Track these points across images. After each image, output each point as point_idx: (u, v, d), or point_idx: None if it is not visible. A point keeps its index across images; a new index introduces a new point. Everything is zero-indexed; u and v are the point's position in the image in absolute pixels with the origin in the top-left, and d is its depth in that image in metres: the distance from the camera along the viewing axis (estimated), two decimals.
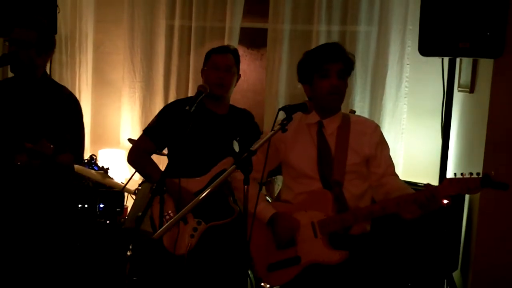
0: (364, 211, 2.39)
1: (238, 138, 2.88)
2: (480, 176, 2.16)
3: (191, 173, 2.82)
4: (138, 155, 2.97)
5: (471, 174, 2.18)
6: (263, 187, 3.52)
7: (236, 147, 2.88)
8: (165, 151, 3.15)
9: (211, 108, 2.93)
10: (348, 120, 2.55)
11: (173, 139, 2.81)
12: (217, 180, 2.09)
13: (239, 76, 2.99)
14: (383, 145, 2.53)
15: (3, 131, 2.84)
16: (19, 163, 2.69)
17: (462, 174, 2.19)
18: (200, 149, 2.85)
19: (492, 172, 2.16)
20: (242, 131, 2.93)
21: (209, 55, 2.95)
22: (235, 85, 2.98)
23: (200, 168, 2.85)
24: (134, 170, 3.46)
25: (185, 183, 2.76)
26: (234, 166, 2.06)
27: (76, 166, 3.70)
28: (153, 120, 3.02)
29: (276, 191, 3.89)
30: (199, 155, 2.85)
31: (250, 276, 3.08)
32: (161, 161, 3.44)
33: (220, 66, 2.87)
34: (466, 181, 2.17)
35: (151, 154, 3.01)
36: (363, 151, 2.48)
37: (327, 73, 2.43)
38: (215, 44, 4.43)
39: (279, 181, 3.89)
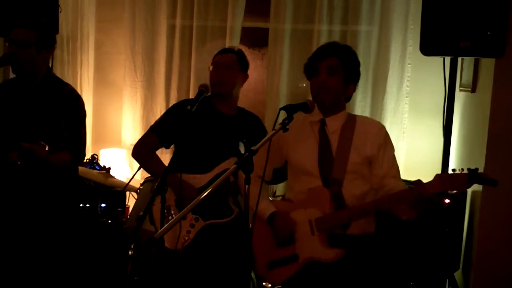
0: (357, 208, 2.40)
1: (244, 140, 2.92)
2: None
3: (195, 170, 2.87)
4: (143, 150, 3.03)
5: (461, 170, 2.15)
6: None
7: (242, 148, 2.91)
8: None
9: (219, 108, 3.01)
10: (353, 120, 2.55)
11: (177, 137, 2.88)
12: (219, 179, 2.09)
13: (245, 75, 3.06)
14: (386, 146, 2.52)
15: (2, 131, 2.84)
16: (19, 162, 2.69)
17: (453, 170, 2.17)
18: (205, 147, 2.90)
19: (478, 168, 2.13)
20: (250, 133, 2.97)
21: (214, 56, 3.06)
22: (241, 85, 3.07)
23: (204, 166, 2.90)
24: (135, 170, 3.52)
25: (188, 178, 2.81)
26: (235, 165, 2.06)
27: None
28: (160, 117, 3.10)
29: (271, 191, 3.93)
30: (204, 153, 2.90)
31: (253, 277, 3.08)
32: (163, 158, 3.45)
33: (220, 64, 2.97)
34: (455, 177, 2.15)
35: (156, 150, 3.05)
36: (364, 151, 2.48)
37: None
38: (217, 43, 4.46)
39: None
